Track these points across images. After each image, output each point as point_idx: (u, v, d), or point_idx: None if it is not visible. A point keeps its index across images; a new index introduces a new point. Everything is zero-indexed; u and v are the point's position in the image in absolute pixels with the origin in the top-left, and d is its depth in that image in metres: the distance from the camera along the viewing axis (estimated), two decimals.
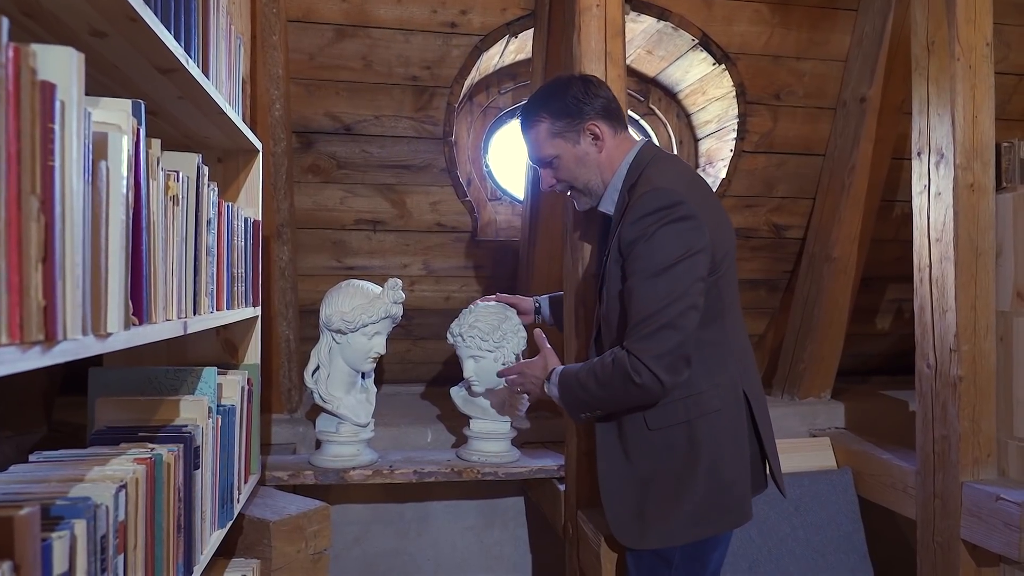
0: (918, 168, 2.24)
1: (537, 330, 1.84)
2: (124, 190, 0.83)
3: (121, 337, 0.84)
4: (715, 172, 2.79)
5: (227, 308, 1.47)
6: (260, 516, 1.66)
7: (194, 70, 1.17)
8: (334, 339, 2.12)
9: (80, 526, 0.73)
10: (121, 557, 0.85)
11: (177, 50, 1.07)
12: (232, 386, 1.47)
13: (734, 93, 2.62)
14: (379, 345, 2.12)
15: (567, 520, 2.13)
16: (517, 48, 2.64)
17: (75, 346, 0.72)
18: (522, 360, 1.89)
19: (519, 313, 2.20)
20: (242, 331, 1.75)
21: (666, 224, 1.46)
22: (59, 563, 0.69)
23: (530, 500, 2.70)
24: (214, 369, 1.36)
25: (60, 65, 0.68)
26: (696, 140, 2.94)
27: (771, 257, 2.92)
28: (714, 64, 2.60)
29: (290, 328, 2.55)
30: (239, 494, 1.53)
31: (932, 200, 2.20)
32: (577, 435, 2.00)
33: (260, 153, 1.79)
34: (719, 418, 1.56)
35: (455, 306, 2.84)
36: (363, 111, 2.46)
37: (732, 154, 2.70)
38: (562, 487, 2.19)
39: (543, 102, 1.71)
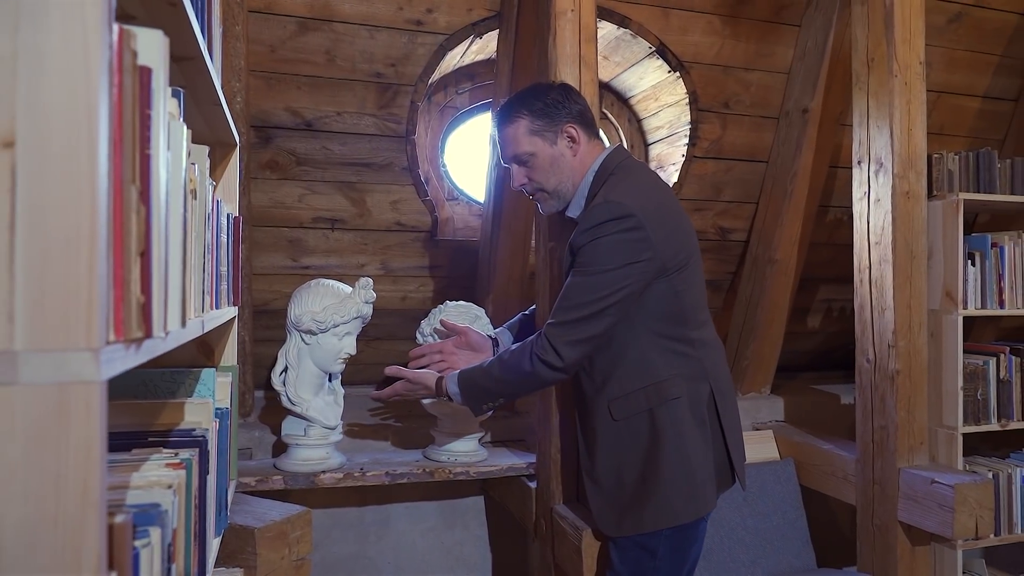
0: (858, 176, 2.39)
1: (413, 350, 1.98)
2: (183, 181, 0.79)
3: (176, 335, 0.80)
4: (666, 176, 2.89)
5: (215, 307, 1.41)
6: (242, 523, 1.60)
7: (207, 59, 1.12)
8: (303, 340, 2.07)
9: (156, 534, 0.70)
10: (174, 566, 0.82)
11: (200, 37, 1.03)
12: (224, 388, 1.42)
13: (687, 100, 2.72)
14: (349, 346, 2.08)
15: (539, 517, 2.15)
16: (478, 49, 2.65)
17: (152, 344, 0.69)
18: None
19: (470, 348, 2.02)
20: (219, 332, 1.69)
21: (613, 234, 1.56)
22: (146, 573, 0.65)
23: (490, 499, 2.71)
24: (213, 370, 1.31)
25: (154, 49, 0.64)
26: (647, 144, 3.03)
27: (716, 259, 3.04)
28: (669, 72, 2.69)
29: (245, 329, 2.45)
30: (229, 500, 1.47)
31: (872, 206, 2.36)
32: (554, 432, 2.03)
33: (238, 147, 1.73)
34: (679, 405, 1.63)
35: (412, 306, 2.82)
36: (325, 107, 2.40)
37: (684, 159, 2.80)
38: (532, 484, 2.22)
39: (523, 101, 1.76)
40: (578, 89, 2.03)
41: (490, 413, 2.00)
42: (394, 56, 2.41)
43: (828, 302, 3.32)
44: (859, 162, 2.39)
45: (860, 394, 2.42)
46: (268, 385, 2.67)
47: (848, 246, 2.44)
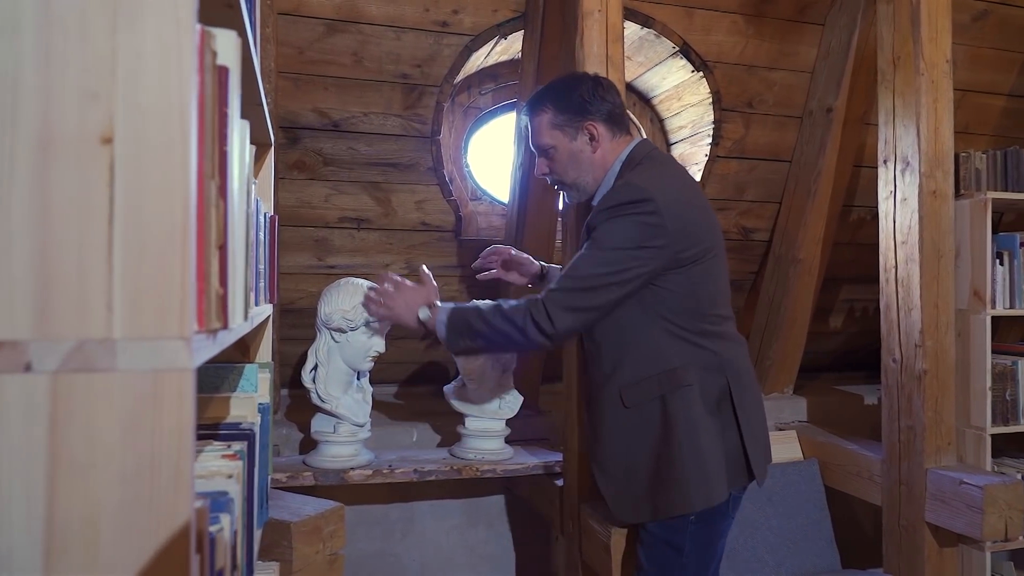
0: (884, 175, 2.38)
1: (423, 266, 1.96)
2: (246, 178, 0.81)
3: (239, 328, 0.82)
4: None
5: (256, 304, 1.44)
6: (278, 517, 1.62)
7: (256, 59, 1.14)
8: (333, 338, 2.09)
9: (226, 520, 0.72)
10: (236, 553, 0.83)
11: (250, 38, 1.05)
12: (264, 384, 1.44)
13: (710, 100, 2.73)
14: (379, 343, 2.10)
15: (566, 515, 2.16)
16: (502, 50, 2.67)
17: (224, 336, 0.71)
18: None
19: (518, 273, 2.07)
20: (255, 329, 1.71)
21: (629, 215, 1.58)
22: (220, 558, 0.67)
23: (513, 497, 2.72)
24: (255, 366, 1.33)
25: (230, 49, 0.66)
26: (669, 144, 3.04)
27: (738, 258, 3.04)
28: (692, 71, 2.70)
29: (273, 327, 2.48)
30: (267, 495, 1.49)
31: (898, 205, 2.35)
32: (579, 430, 2.04)
33: (272, 147, 1.75)
34: (690, 393, 1.62)
35: None
36: (352, 108, 2.43)
37: (706, 159, 2.80)
38: (559, 483, 2.23)
39: (552, 93, 1.77)
40: None
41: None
42: (420, 57, 2.43)
43: (850, 302, 3.31)
44: (885, 161, 2.38)
45: (886, 394, 2.41)
46: (294, 383, 2.70)
47: (871, 246, 2.44)
